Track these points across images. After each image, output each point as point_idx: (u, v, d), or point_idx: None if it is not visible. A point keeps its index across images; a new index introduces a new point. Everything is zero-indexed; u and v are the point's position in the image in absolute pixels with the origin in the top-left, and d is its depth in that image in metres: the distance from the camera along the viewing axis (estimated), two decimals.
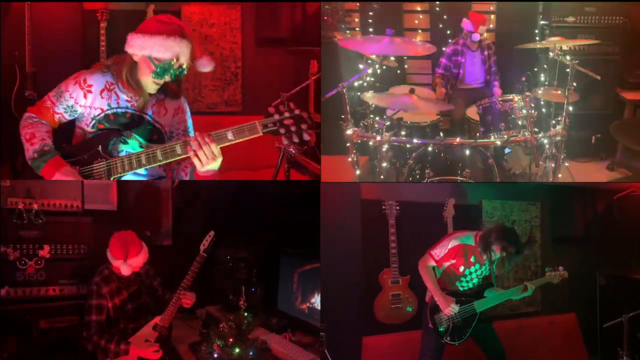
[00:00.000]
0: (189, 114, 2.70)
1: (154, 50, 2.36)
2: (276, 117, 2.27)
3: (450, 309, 2.78)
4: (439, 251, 2.82)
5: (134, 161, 2.37)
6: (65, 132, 2.54)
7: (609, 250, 3.93)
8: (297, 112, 2.28)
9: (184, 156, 2.34)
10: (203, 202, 3.88)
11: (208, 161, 2.29)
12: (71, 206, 3.52)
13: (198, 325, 3.21)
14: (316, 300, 3.11)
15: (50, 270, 3.40)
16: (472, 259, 2.80)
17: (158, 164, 2.38)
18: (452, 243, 2.81)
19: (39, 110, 2.50)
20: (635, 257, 3.85)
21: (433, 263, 2.83)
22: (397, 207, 3.41)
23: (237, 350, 2.37)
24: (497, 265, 2.81)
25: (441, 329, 2.81)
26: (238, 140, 2.31)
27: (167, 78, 2.45)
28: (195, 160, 2.29)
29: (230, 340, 2.40)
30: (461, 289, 2.84)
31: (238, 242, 3.68)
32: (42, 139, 2.41)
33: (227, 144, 2.32)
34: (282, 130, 2.27)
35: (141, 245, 2.85)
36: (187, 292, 2.80)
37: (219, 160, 2.32)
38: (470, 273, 2.82)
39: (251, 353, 2.41)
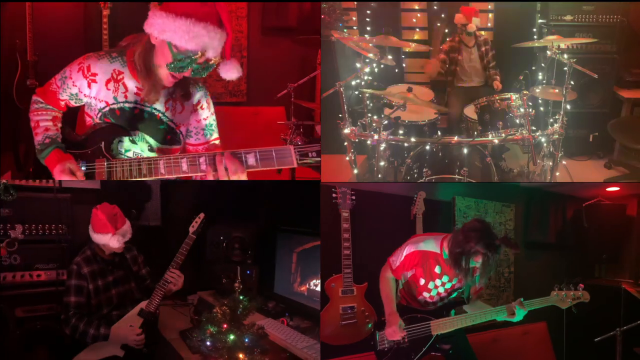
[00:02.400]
0: (212, 109, 2.34)
1: (175, 36, 1.94)
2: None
3: (391, 332, 2.31)
4: (395, 258, 2.42)
5: (134, 169, 2.12)
6: (73, 117, 2.40)
7: (577, 258, 3.91)
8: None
9: (190, 174, 2.06)
10: (194, 180, 3.70)
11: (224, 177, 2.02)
12: (47, 181, 3.08)
13: (189, 311, 3.09)
14: (317, 282, 2.85)
15: (25, 253, 3.09)
16: (436, 270, 2.34)
17: (160, 178, 2.12)
18: (407, 249, 2.38)
19: (45, 93, 2.29)
20: (600, 265, 3.88)
21: (391, 273, 2.44)
22: (353, 197, 2.91)
23: (231, 336, 2.20)
24: (479, 274, 2.28)
25: (379, 348, 2.39)
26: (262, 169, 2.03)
27: (186, 73, 2.07)
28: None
29: (225, 326, 2.23)
30: (424, 304, 2.44)
31: (231, 221, 3.48)
32: (46, 129, 2.24)
33: (258, 169, 2.04)
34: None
35: (126, 219, 2.68)
36: (175, 271, 2.63)
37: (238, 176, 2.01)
38: (436, 287, 2.37)
39: (247, 340, 2.22)
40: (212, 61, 2.06)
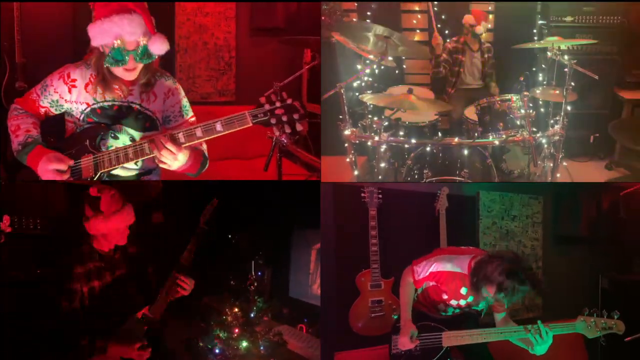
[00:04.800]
0: (182, 93, 2.56)
1: (98, 39, 2.24)
2: (267, 107, 2.20)
3: (403, 341, 2.29)
4: (420, 268, 2.41)
5: (121, 155, 2.30)
6: (54, 126, 2.48)
7: (613, 251, 3.64)
8: (289, 101, 2.19)
9: (152, 155, 2.27)
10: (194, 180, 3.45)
11: (171, 160, 2.24)
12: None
13: (194, 319, 2.75)
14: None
15: (13, 248, 2.85)
16: (462, 291, 2.33)
17: (146, 157, 2.31)
18: (434, 267, 2.37)
19: (26, 102, 2.47)
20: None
21: (412, 280, 2.43)
22: (380, 196, 3.05)
23: (244, 343, 1.96)
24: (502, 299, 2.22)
25: (393, 352, 2.38)
26: (227, 132, 2.24)
27: (130, 62, 2.27)
28: (162, 160, 2.25)
29: (236, 331, 1.99)
30: (443, 314, 2.44)
31: (241, 218, 3.23)
32: (27, 130, 2.37)
33: (216, 135, 2.25)
34: (273, 121, 2.19)
35: (127, 202, 2.50)
36: (184, 276, 2.39)
37: (181, 156, 2.26)
38: (460, 305, 2.38)
39: (262, 348, 1.98)
40: (142, 43, 2.25)
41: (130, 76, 2.36)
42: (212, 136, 2.25)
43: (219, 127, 2.23)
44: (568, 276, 3.70)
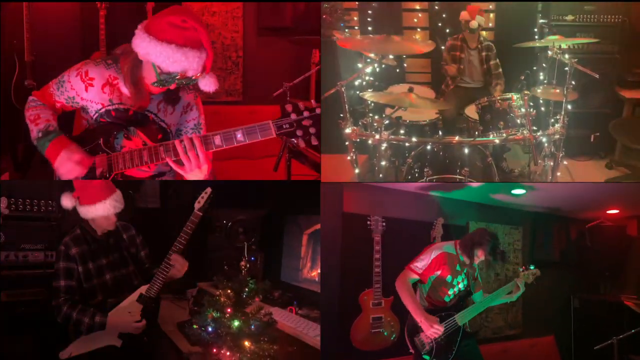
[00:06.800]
0: (200, 109, 2.49)
1: (158, 60, 2.10)
2: (293, 116, 1.99)
3: (435, 330, 2.51)
4: (420, 264, 2.66)
5: (135, 157, 2.22)
6: (67, 121, 2.46)
7: (582, 275, 4.20)
8: (318, 111, 1.99)
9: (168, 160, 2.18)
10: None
11: (192, 167, 2.11)
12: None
13: (188, 304, 2.91)
14: None
15: (11, 230, 2.84)
16: (457, 268, 2.69)
17: (161, 162, 2.22)
18: (434, 253, 2.68)
19: (43, 95, 2.41)
20: (604, 282, 4.15)
21: (415, 277, 2.66)
22: (383, 223, 3.24)
23: (236, 323, 2.01)
24: (480, 270, 2.76)
25: (425, 356, 2.55)
26: (249, 142, 2.07)
27: (172, 86, 2.26)
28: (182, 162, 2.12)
29: (228, 310, 2.04)
30: (447, 300, 2.70)
31: (235, 204, 3.26)
32: (47, 119, 2.30)
33: (236, 145, 2.10)
34: (299, 133, 2.00)
35: (115, 188, 2.50)
36: (177, 256, 2.45)
37: (204, 168, 2.13)
38: (458, 283, 2.70)
39: (253, 327, 2.05)
40: (194, 77, 2.19)
41: (158, 89, 2.30)
42: (231, 145, 2.12)
43: (239, 136, 2.08)
44: (545, 296, 4.09)
